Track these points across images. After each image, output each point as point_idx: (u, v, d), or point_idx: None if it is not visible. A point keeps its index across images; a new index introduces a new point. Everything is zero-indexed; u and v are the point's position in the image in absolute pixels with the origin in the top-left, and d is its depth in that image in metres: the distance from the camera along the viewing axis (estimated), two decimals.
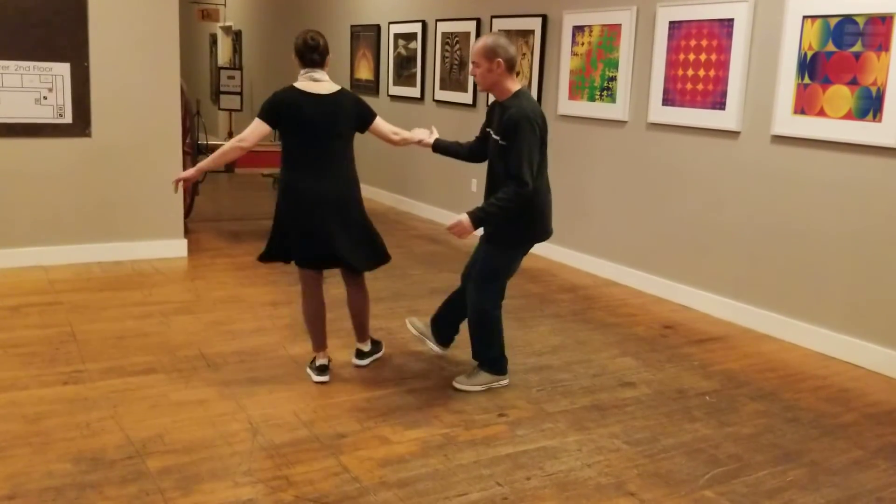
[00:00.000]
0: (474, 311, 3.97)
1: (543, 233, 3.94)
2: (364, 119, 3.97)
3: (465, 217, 3.70)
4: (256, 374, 4.06)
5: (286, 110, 3.80)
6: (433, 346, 4.27)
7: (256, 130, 3.80)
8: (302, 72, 3.87)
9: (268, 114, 3.82)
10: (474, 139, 4.13)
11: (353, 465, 3.19)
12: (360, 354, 4.25)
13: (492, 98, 3.93)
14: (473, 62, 3.80)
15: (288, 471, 3.12)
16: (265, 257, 4.01)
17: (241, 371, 4.09)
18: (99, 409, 3.59)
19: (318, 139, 3.81)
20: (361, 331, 4.23)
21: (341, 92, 3.89)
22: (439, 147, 4.17)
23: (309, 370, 4.06)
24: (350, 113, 3.89)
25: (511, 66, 3.76)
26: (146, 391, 3.80)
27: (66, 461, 3.12)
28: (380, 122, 4.03)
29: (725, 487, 3.16)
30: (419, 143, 4.14)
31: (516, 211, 3.70)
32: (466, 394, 3.92)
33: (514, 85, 3.80)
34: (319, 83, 3.84)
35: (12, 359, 4.13)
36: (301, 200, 3.82)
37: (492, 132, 3.85)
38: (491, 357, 4.02)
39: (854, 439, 3.64)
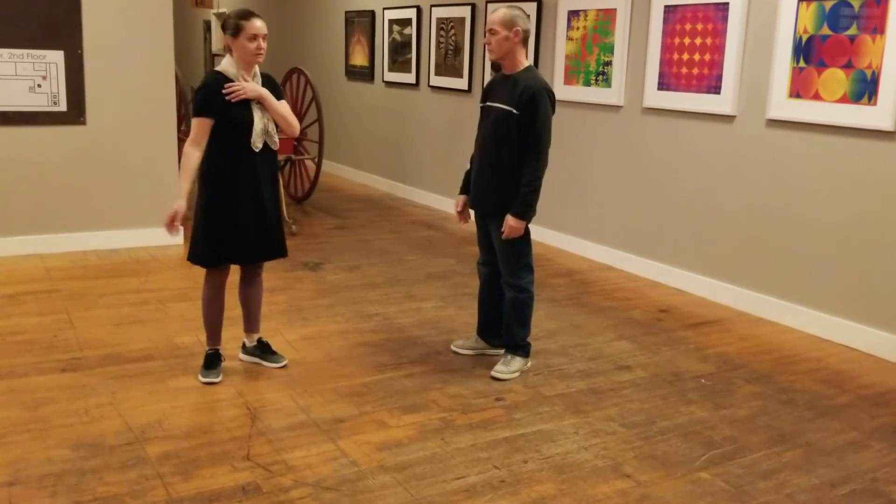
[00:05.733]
0: (519, 292, 3.97)
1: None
2: None
3: (510, 219, 3.77)
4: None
5: None
6: (492, 352, 4.21)
7: None
8: None
9: None
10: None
11: (352, 449, 3.21)
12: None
13: (488, 78, 3.95)
14: (490, 30, 3.82)
15: (286, 455, 3.14)
16: None
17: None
18: (97, 395, 3.60)
19: None
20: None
21: None
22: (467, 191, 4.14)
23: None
24: None
25: (525, 39, 3.85)
26: (144, 377, 3.81)
27: (65, 447, 3.14)
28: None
29: (721, 469, 3.18)
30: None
31: (540, 185, 3.80)
32: (463, 378, 3.94)
33: (525, 59, 3.89)
34: None
35: (10, 346, 4.13)
36: None
37: (497, 104, 3.87)
38: (523, 339, 4.04)
39: (849, 421, 3.67)
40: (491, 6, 7.10)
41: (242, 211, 3.68)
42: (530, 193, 3.77)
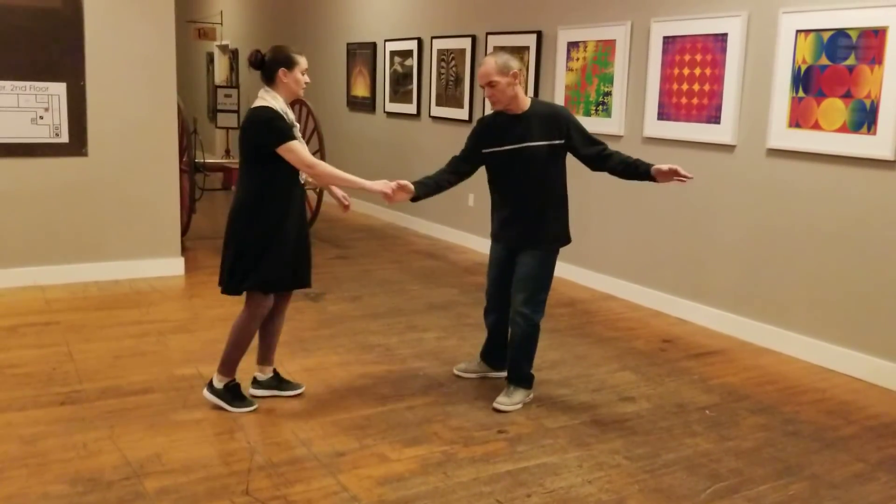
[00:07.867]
0: (528, 327, 3.92)
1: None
2: (248, 141, 3.66)
3: (663, 167, 3.87)
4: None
5: None
6: (495, 375, 4.23)
7: None
8: None
9: None
10: (455, 160, 4.06)
11: (352, 483, 3.17)
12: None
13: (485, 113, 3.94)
14: (490, 84, 3.77)
15: (286, 490, 3.10)
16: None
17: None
18: (96, 429, 3.57)
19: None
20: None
21: (251, 109, 3.70)
22: (421, 195, 3.92)
23: (239, 404, 3.82)
24: (242, 132, 3.71)
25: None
26: (144, 411, 3.78)
27: (63, 482, 3.10)
28: (284, 151, 3.59)
29: (727, 502, 3.14)
30: (386, 195, 3.82)
31: None
32: (465, 410, 3.91)
33: (524, 94, 3.93)
34: (257, 98, 3.74)
35: (9, 379, 4.10)
36: None
37: (531, 143, 3.83)
38: (528, 372, 4.02)
39: (855, 452, 3.63)
40: (491, 38, 7.15)
41: (300, 233, 3.76)
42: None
